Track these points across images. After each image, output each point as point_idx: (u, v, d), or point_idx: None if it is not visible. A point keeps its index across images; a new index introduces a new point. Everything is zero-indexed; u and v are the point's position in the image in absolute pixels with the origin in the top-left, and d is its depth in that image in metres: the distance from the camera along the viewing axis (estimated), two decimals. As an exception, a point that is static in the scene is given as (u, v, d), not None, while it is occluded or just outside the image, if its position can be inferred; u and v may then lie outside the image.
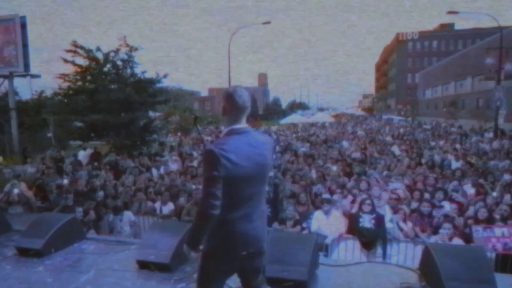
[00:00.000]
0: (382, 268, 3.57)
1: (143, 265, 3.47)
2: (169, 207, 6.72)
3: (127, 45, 13.32)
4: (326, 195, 5.91)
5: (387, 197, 6.31)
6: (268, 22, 23.25)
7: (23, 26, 17.47)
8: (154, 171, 9.99)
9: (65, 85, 13.50)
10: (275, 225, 5.76)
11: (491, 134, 19.99)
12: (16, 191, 6.58)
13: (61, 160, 12.42)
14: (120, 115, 12.93)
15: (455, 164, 10.06)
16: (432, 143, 15.22)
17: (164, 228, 3.78)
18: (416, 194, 6.45)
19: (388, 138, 18.12)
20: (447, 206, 5.83)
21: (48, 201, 7.14)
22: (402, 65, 67.32)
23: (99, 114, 12.31)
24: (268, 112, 74.94)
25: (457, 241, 4.78)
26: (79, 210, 5.49)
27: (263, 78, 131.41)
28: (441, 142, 15.31)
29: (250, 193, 2.07)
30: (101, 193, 7.25)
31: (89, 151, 13.27)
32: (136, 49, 13.49)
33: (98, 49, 13.27)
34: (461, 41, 61.72)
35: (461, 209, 5.73)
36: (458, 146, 14.32)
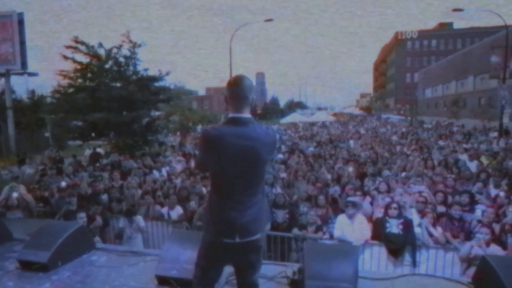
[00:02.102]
0: (430, 282, 3.20)
1: (163, 281, 3.09)
2: (177, 211, 6.30)
3: (130, 41, 12.88)
4: (351, 198, 5.52)
5: (411, 200, 5.97)
6: (270, 20, 22.86)
7: (20, 22, 16.94)
8: (155, 172, 9.58)
9: (65, 82, 13.05)
10: (295, 230, 5.39)
11: (495, 134, 19.76)
12: (15, 194, 6.15)
13: (60, 160, 11.98)
14: (122, 113, 12.49)
15: (469, 165, 9.73)
16: (442, 143, 14.89)
17: (185, 238, 3.39)
18: (440, 196, 6.11)
19: (394, 138, 17.78)
20: (478, 210, 5.48)
21: (49, 204, 6.72)
22: (401, 64, 67.10)
23: (100, 112, 11.87)
24: (266, 111, 74.68)
25: (495, 248, 4.41)
26: (81, 216, 5.03)
27: (260, 78, 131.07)
28: (451, 142, 14.97)
29: (237, 182, 2.06)
30: (105, 197, 6.83)
31: (100, 150, 12.88)
32: (139, 46, 13.05)
33: (100, 45, 12.83)
34: (460, 40, 61.62)
35: (497, 213, 5.36)
36: (468, 145, 13.99)
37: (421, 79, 53.37)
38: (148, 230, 5.96)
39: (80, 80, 13.12)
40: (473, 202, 5.97)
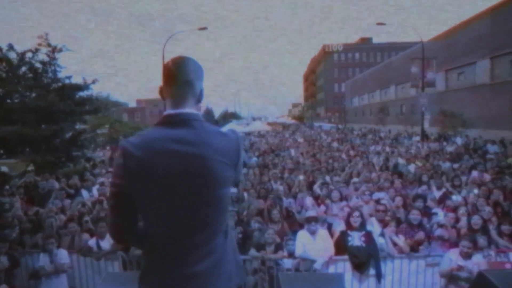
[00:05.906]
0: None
1: None
2: (109, 240, 5.19)
3: (49, 45, 11.26)
4: (310, 212, 5.07)
5: (370, 208, 5.74)
6: (204, 28, 22.29)
7: None
8: (84, 193, 8.29)
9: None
10: (252, 252, 4.78)
11: (417, 138, 21.44)
12: None
13: (-41, 185, 9.91)
14: (40, 126, 10.80)
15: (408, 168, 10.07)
16: (377, 148, 15.51)
17: (122, 282, 2.58)
18: (399, 199, 6.00)
19: (335, 144, 18.21)
20: (441, 214, 5.41)
21: None
22: (329, 75, 71.18)
23: (12, 125, 10.10)
24: (202, 122, 73.33)
25: (477, 258, 4.16)
26: None
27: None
28: (386, 147, 15.68)
29: (174, 219, 1.31)
30: (15, 228, 5.52)
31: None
32: (60, 50, 11.43)
33: (11, 47, 11.00)
34: (380, 53, 67.38)
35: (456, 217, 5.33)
36: (401, 149, 14.74)
37: (348, 89, 56.93)
38: (75, 266, 4.89)
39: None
40: (425, 207, 5.95)
